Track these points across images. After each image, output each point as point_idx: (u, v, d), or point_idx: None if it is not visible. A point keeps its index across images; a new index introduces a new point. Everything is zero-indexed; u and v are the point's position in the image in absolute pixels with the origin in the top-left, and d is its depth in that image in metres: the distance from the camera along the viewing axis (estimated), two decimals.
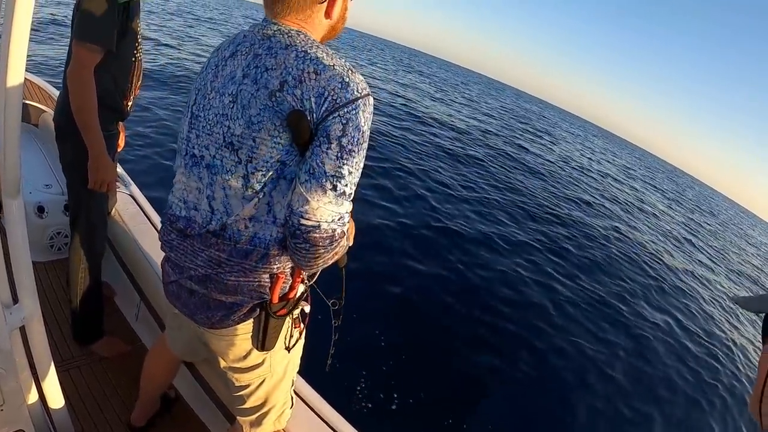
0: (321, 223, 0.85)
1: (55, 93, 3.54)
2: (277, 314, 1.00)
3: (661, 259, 9.09)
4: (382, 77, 23.10)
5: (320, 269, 1.00)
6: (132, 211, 2.28)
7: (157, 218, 2.28)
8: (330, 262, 0.94)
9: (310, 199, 0.84)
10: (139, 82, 1.77)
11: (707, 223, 22.96)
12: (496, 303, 4.49)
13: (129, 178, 2.57)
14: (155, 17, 17.82)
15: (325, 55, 0.88)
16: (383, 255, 4.65)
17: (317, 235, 0.85)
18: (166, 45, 12.51)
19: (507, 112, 31.32)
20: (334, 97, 0.84)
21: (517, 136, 19.01)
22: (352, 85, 0.85)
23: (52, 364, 1.22)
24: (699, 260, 11.44)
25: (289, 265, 0.99)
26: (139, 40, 1.68)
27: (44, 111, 3.09)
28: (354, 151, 0.86)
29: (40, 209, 2.28)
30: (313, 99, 0.83)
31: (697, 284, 8.86)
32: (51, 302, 2.04)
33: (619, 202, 13.67)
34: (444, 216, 6.33)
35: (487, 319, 4.20)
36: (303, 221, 0.85)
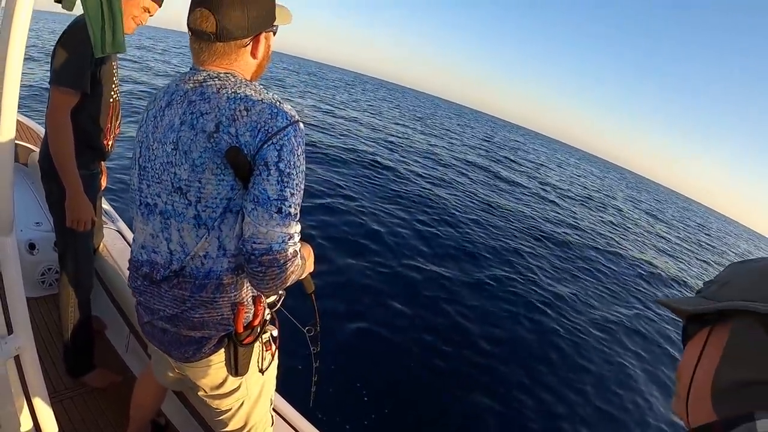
0: (272, 245, 0.89)
1: (41, 131, 3.64)
2: (245, 342, 1.06)
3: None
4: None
5: (281, 290, 1.07)
6: (120, 247, 2.34)
7: None
8: (288, 282, 0.97)
9: (258, 225, 0.88)
10: (119, 121, 1.85)
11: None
12: (474, 336, 4.41)
13: (116, 214, 2.64)
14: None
15: (253, 92, 0.94)
16: (362, 288, 4.63)
17: (270, 257, 0.89)
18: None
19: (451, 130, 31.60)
20: (266, 128, 0.90)
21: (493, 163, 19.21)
22: (281, 114, 0.92)
23: (46, 392, 1.27)
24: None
25: (250, 294, 1.06)
26: (116, 81, 1.77)
27: (33, 150, 3.18)
28: (292, 173, 0.91)
29: (31, 246, 2.33)
30: (247, 133, 0.90)
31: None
32: (43, 336, 2.08)
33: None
34: (420, 252, 6.41)
35: (466, 348, 4.17)
36: (255, 246, 0.89)
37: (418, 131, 21.19)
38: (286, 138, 0.91)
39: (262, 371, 1.19)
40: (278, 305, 1.23)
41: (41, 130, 3.61)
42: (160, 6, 1.73)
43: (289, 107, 0.96)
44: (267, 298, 1.15)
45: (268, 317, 1.15)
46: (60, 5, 1.01)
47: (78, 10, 1.04)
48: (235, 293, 1.03)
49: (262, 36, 1.02)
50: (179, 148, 0.94)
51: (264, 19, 1.00)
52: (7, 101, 0.96)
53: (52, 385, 1.83)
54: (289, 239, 0.92)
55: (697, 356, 0.46)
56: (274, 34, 1.08)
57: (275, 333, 1.21)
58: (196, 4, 0.95)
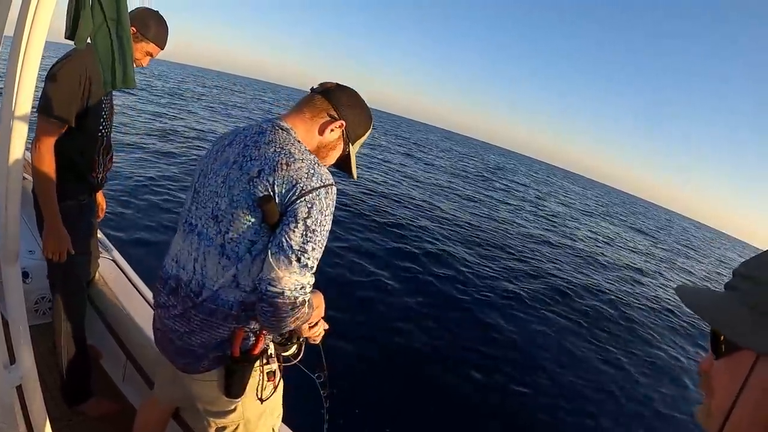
0: (285, 291, 0.98)
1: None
2: (239, 364, 1.14)
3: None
4: None
5: (283, 331, 1.13)
6: (114, 275, 2.35)
7: (139, 281, 2.35)
8: (292, 325, 1.05)
9: (277, 268, 0.97)
10: (109, 156, 1.87)
11: None
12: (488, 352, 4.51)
13: (110, 244, 2.64)
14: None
15: (297, 151, 1.05)
16: (371, 316, 4.70)
17: (281, 301, 0.98)
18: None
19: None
20: (301, 185, 0.99)
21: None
22: (317, 175, 1.02)
23: (48, 422, 1.27)
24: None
25: (254, 325, 1.13)
26: (104, 116, 1.78)
27: (25, 178, 3.16)
28: (317, 231, 1.00)
29: (25, 275, 2.32)
30: (283, 185, 0.99)
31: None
32: (39, 365, 2.06)
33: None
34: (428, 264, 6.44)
35: (476, 371, 4.20)
36: (270, 288, 0.98)
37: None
38: (317, 198, 1.00)
39: (261, 400, 1.23)
40: (299, 357, 1.32)
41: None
42: (162, 49, 1.78)
43: (326, 171, 1.06)
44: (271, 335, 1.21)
45: (271, 351, 1.25)
46: (70, 40, 1.04)
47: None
48: (241, 325, 1.11)
49: (339, 128, 1.15)
50: (227, 182, 1.05)
51: (353, 124, 1.18)
52: (15, 138, 0.99)
53: (48, 413, 1.82)
54: (301, 288, 1.01)
55: (737, 384, 0.39)
56: (343, 153, 1.22)
57: (274, 366, 1.26)
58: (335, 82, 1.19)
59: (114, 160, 1.95)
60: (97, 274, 2.25)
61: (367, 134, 1.24)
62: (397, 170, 15.59)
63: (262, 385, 1.22)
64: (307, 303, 1.04)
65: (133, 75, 1.08)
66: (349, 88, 1.19)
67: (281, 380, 1.30)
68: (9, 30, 0.94)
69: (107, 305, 2.18)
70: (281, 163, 1.00)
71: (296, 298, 1.00)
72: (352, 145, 1.21)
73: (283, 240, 0.98)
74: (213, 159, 1.13)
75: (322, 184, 1.01)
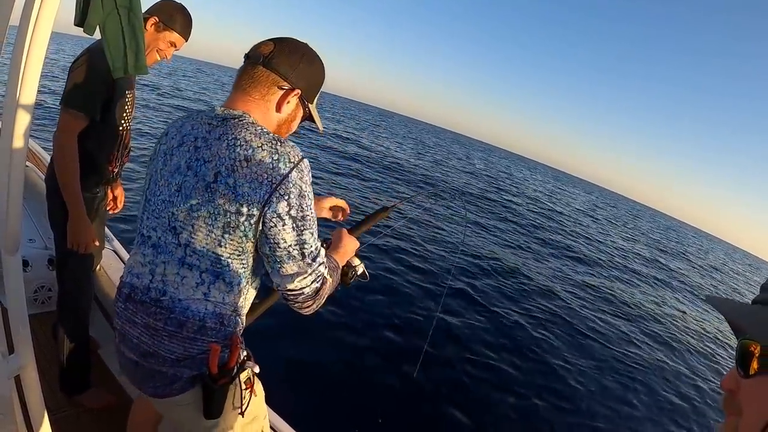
0: (303, 290, 0.98)
1: (37, 148, 3.64)
2: (219, 383, 1.01)
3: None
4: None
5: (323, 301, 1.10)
6: (116, 267, 2.36)
7: None
8: (323, 302, 1.05)
9: (287, 281, 0.96)
10: (127, 150, 1.88)
11: None
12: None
13: (111, 234, 2.65)
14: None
15: (253, 136, 0.94)
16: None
17: (303, 296, 0.98)
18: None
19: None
20: (269, 179, 0.90)
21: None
22: (282, 159, 0.92)
23: (45, 412, 1.27)
24: None
25: (228, 334, 1.03)
26: (127, 111, 1.78)
27: (26, 166, 3.18)
28: (306, 215, 0.95)
29: (25, 263, 2.33)
30: (246, 185, 0.90)
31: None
32: (36, 354, 2.06)
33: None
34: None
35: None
36: (288, 294, 0.98)
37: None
38: (291, 184, 0.92)
39: (242, 413, 1.11)
40: (367, 276, 1.31)
41: (35, 147, 3.62)
42: (186, 40, 1.75)
43: (290, 146, 0.96)
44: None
45: (244, 354, 1.10)
46: (81, 29, 1.03)
47: (98, 34, 1.07)
48: (217, 337, 1.02)
49: (295, 96, 1.05)
50: (182, 191, 0.96)
51: (308, 85, 1.07)
52: (18, 129, 0.99)
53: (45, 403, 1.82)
54: (315, 279, 0.99)
55: None
56: (304, 114, 1.13)
57: (257, 369, 1.13)
58: (267, 39, 1.04)
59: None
60: (98, 266, 2.25)
61: (323, 81, 1.13)
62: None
63: (240, 395, 1.09)
64: (327, 280, 1.02)
65: (145, 62, 1.07)
66: (287, 40, 1.05)
67: (258, 382, 1.19)
68: (14, 20, 0.94)
69: (108, 297, 2.19)
70: (239, 160, 0.91)
71: (316, 289, 0.99)
72: (311, 104, 1.12)
73: (279, 244, 0.93)
74: (162, 164, 1.02)
75: (291, 166, 0.92)
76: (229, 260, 0.96)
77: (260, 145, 0.93)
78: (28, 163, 3.22)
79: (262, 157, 0.91)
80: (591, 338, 5.94)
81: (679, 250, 27.59)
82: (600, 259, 11.97)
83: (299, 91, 1.05)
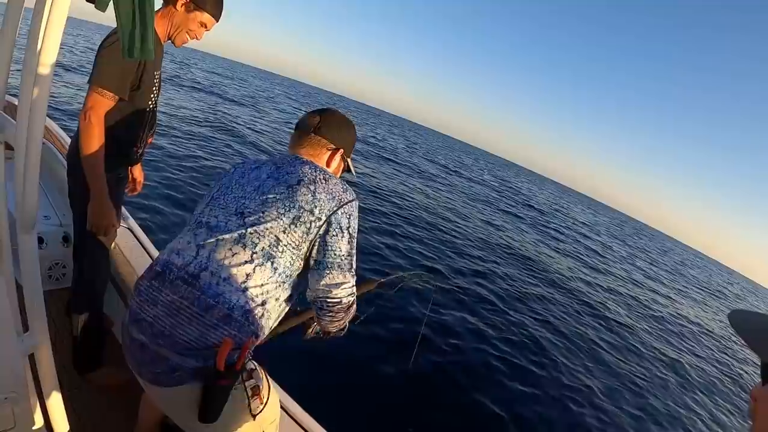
0: (342, 299, 1.15)
1: (52, 125, 3.64)
2: (220, 383, 1.00)
3: None
4: None
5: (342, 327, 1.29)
6: (131, 245, 2.35)
7: (154, 250, 2.36)
8: (347, 323, 1.27)
9: (334, 287, 1.13)
10: (152, 131, 1.86)
11: None
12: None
13: (127, 212, 2.65)
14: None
15: (327, 173, 1.20)
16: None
17: (339, 308, 1.16)
18: None
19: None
20: (340, 198, 1.14)
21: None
22: (349, 191, 1.19)
23: (59, 390, 1.27)
24: None
25: (245, 336, 1.04)
26: (154, 91, 1.76)
27: (44, 143, 3.18)
28: (354, 237, 1.17)
29: (40, 240, 2.33)
30: (324, 195, 1.12)
31: None
32: (50, 331, 2.08)
33: None
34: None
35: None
36: (328, 300, 1.14)
37: None
38: (352, 208, 1.18)
39: (254, 416, 1.11)
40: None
41: (51, 124, 3.61)
42: (217, 21, 1.72)
43: (351, 188, 1.22)
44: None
45: (249, 365, 1.12)
46: (93, 5, 1.00)
47: (111, 11, 1.04)
48: (238, 332, 1.03)
49: (340, 155, 1.35)
50: (259, 189, 1.16)
51: (347, 145, 1.37)
52: (37, 108, 0.96)
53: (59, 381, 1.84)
54: (352, 293, 1.18)
55: None
56: (345, 166, 1.42)
57: (262, 383, 1.14)
58: (313, 111, 1.35)
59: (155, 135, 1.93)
60: (113, 244, 2.25)
61: (356, 140, 1.43)
62: None
63: (249, 402, 1.09)
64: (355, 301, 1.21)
65: (151, 48, 1.04)
66: (329, 111, 1.35)
67: (271, 388, 1.19)
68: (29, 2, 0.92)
69: (123, 274, 2.19)
70: (320, 178, 1.16)
71: (351, 301, 1.18)
72: (349, 157, 1.40)
73: (335, 251, 1.11)
74: (239, 176, 1.22)
75: (353, 198, 1.19)
76: (285, 248, 1.09)
77: (332, 176, 1.20)
78: (43, 140, 3.22)
79: (335, 183, 1.18)
80: (599, 346, 5.89)
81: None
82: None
83: (342, 150, 1.35)
